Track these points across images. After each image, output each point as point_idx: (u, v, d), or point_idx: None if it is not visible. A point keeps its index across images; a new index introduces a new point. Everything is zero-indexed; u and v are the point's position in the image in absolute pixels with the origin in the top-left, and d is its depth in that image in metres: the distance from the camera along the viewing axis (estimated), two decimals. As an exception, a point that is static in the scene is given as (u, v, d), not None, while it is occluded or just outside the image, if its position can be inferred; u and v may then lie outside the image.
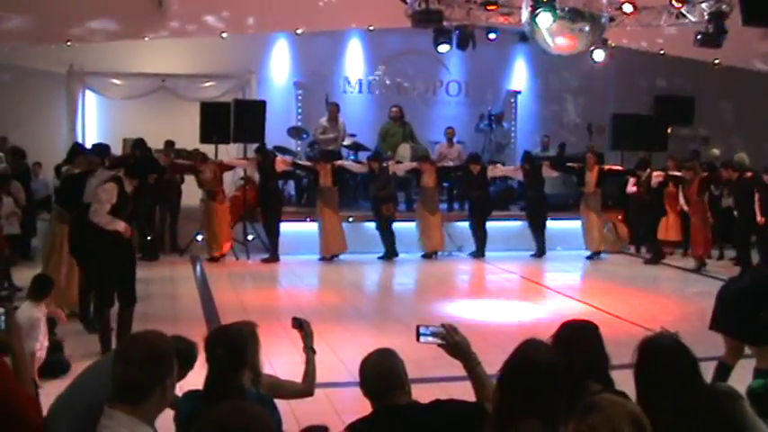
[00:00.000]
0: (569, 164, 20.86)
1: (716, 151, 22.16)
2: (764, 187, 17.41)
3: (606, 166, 20.21)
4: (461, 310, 14.07)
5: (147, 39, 20.57)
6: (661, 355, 4.64)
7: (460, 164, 20.73)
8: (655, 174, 19.66)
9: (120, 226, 10.29)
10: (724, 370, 7.95)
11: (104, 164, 13.15)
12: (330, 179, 18.86)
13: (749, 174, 18.45)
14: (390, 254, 19.06)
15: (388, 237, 19.07)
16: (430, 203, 19.54)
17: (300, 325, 6.49)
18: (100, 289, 10.91)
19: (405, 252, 19.22)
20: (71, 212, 12.02)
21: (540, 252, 19.79)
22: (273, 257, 18.31)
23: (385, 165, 19.39)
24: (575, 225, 20.23)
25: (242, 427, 3.08)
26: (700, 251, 18.62)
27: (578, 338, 4.86)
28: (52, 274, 11.15)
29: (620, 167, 20.96)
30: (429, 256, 19.40)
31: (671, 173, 19.63)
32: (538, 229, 19.87)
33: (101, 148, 14.92)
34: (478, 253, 19.66)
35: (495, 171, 20.36)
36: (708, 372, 4.71)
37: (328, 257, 18.70)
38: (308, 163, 19.79)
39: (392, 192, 19.61)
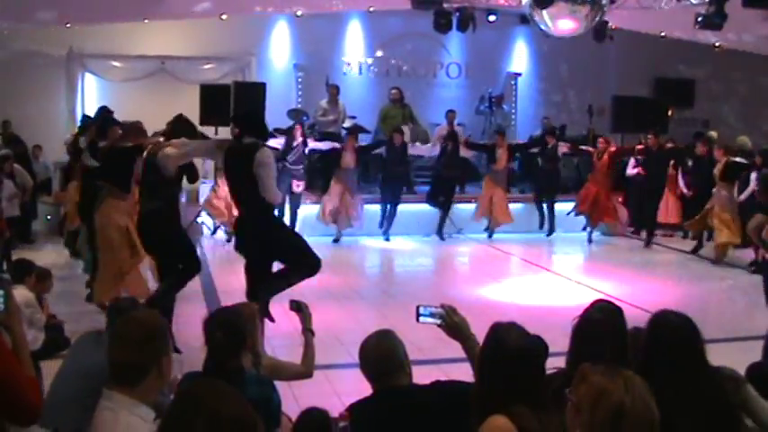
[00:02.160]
0: (481, 142, 21.11)
1: (713, 134, 22.12)
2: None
3: (514, 143, 20.90)
4: (466, 292, 14.12)
5: (146, 21, 20.52)
6: (669, 329, 4.66)
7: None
8: (561, 144, 20.61)
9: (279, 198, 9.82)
10: None
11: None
12: (354, 159, 18.91)
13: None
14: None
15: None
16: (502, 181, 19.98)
17: (299, 307, 6.51)
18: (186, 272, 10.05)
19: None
20: (124, 190, 11.01)
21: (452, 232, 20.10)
22: None
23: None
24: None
25: (215, 402, 3.06)
26: (609, 218, 19.78)
27: (600, 325, 4.85)
28: (106, 256, 10.96)
29: (525, 142, 21.80)
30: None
31: (581, 146, 20.70)
32: (444, 208, 19.87)
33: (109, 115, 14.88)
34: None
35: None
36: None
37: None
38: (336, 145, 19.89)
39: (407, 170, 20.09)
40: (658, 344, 4.64)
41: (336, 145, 19.47)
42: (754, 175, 16.48)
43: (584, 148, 20.63)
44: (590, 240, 19.94)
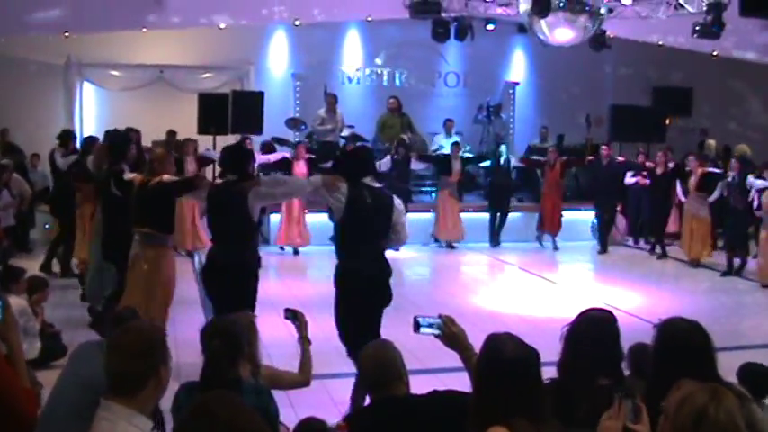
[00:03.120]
0: (433, 154, 21.04)
1: (712, 142, 22.13)
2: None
3: (467, 155, 20.79)
4: (461, 301, 14.11)
5: (144, 30, 20.53)
6: (679, 334, 4.65)
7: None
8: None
9: None
10: None
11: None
12: (306, 169, 18.60)
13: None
14: None
15: None
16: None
17: (294, 316, 6.51)
18: None
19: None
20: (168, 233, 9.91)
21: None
22: None
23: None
24: (572, 216, 20.39)
25: (230, 416, 3.07)
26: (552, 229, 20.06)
27: (590, 332, 4.84)
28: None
29: (476, 155, 21.64)
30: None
31: (533, 158, 21.41)
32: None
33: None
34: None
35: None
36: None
37: None
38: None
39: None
40: (667, 350, 4.61)
41: (287, 155, 19.14)
42: (720, 183, 17.52)
43: (535, 159, 21.09)
44: (556, 248, 20.18)
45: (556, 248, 20.02)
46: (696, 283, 16.94)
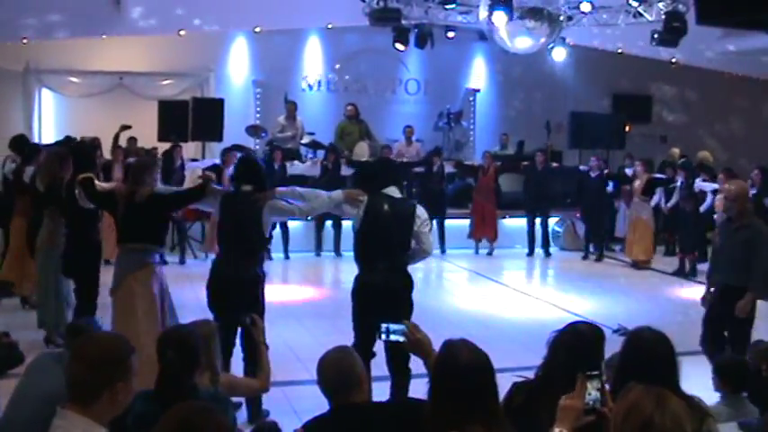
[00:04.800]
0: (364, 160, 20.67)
1: (676, 150, 22.30)
2: None
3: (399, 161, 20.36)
4: (426, 307, 14.12)
5: (104, 36, 20.43)
6: (645, 345, 4.68)
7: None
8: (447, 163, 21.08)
9: None
10: None
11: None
12: None
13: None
14: None
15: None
16: None
17: (252, 321, 6.49)
18: None
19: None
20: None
21: None
22: None
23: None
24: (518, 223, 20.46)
25: (201, 424, 3.06)
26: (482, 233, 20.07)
27: (573, 344, 4.85)
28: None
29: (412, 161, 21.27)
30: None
31: (466, 162, 21.70)
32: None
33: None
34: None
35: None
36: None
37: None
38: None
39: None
40: (632, 360, 4.65)
41: (216, 161, 18.54)
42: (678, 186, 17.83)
43: (468, 164, 21.32)
44: (490, 253, 20.16)
45: (489, 253, 20.02)
46: (641, 284, 17.17)
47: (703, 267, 16.49)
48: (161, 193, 9.05)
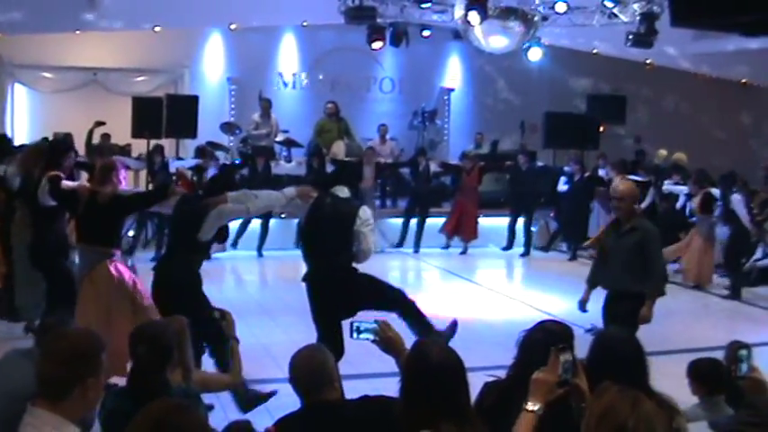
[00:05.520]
0: (346, 159, 20.50)
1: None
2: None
3: (383, 161, 20.67)
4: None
5: (78, 32, 20.33)
6: (614, 345, 4.72)
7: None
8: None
9: None
10: None
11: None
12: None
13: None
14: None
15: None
16: None
17: (222, 316, 6.48)
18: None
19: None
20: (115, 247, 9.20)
21: None
22: None
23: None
24: (504, 222, 20.38)
25: (178, 422, 3.05)
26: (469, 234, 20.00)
27: (541, 342, 4.86)
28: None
29: (395, 162, 21.51)
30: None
31: (450, 163, 21.61)
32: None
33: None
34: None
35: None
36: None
37: None
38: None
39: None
40: (601, 360, 4.66)
41: (200, 161, 18.40)
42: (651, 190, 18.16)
43: (453, 164, 21.26)
44: (464, 251, 20.13)
45: (463, 252, 20.00)
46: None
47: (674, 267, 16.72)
48: (123, 195, 9.16)
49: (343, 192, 8.47)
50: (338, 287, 8.33)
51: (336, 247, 8.31)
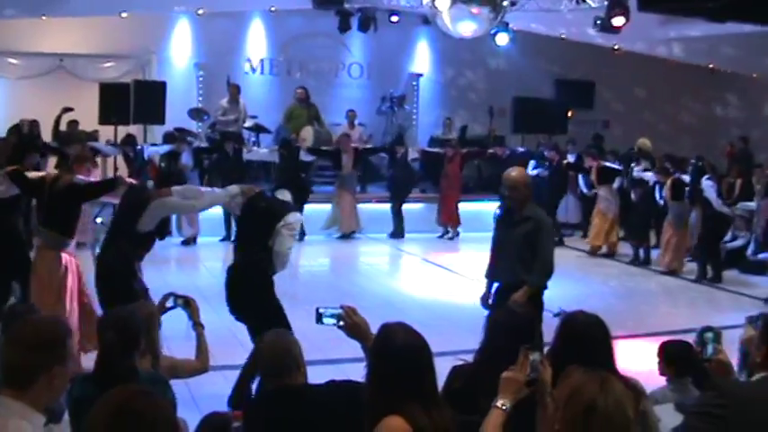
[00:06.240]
0: (324, 148, 20.55)
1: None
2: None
3: (360, 147, 20.57)
4: (363, 291, 14.16)
5: (44, 17, 20.16)
6: (580, 328, 4.75)
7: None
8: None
9: None
10: None
11: None
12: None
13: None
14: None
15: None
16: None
17: (186, 303, 6.47)
18: None
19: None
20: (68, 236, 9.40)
21: None
22: None
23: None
24: (476, 207, 20.32)
25: (154, 414, 3.05)
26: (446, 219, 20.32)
27: (505, 324, 4.90)
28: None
29: (374, 147, 21.66)
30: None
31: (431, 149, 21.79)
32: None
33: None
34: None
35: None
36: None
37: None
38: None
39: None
40: (566, 343, 4.71)
41: (173, 147, 18.51)
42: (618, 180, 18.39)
43: (433, 150, 21.40)
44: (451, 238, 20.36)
45: (451, 238, 20.25)
46: (592, 270, 17.43)
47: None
48: (78, 183, 9.31)
49: (284, 195, 8.76)
50: (226, 282, 8.68)
51: (247, 243, 8.58)
